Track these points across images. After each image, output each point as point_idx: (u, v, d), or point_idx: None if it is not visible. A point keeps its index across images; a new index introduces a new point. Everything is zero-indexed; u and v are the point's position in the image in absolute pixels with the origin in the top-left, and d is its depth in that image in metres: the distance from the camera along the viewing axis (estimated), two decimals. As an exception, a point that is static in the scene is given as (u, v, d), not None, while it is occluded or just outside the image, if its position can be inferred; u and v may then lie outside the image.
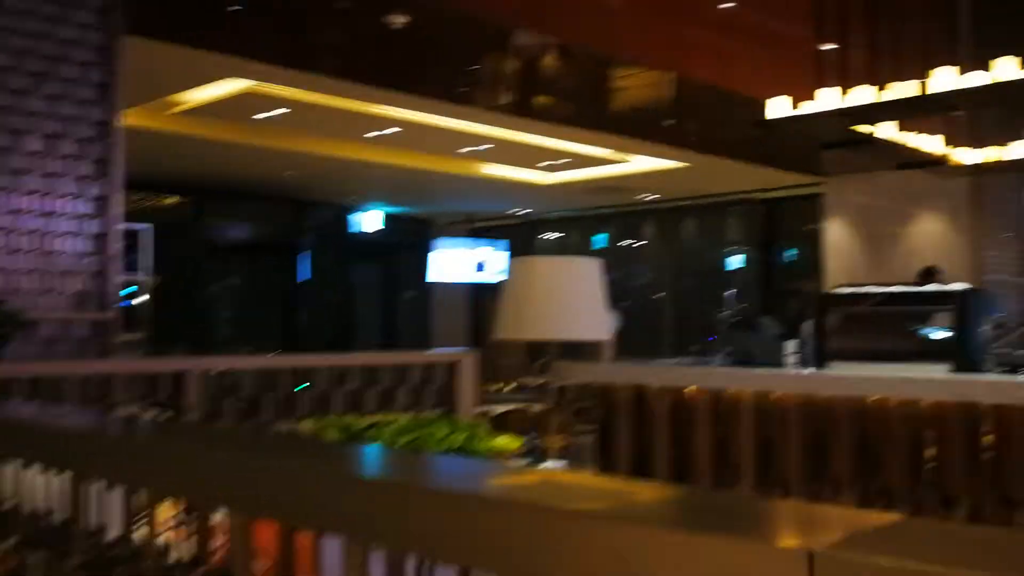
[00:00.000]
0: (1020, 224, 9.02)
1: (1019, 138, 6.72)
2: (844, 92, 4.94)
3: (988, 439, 3.95)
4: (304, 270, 12.69)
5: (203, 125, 8.19)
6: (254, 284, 12.51)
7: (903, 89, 4.68)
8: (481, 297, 13.75)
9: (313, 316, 12.66)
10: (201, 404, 3.95)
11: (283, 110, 7.64)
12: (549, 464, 3.34)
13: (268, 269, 12.68)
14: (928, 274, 6.27)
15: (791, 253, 11.09)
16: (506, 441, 3.18)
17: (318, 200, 12.47)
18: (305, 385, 4.21)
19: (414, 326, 13.77)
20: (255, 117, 7.93)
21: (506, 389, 8.55)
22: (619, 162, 9.74)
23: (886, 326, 4.81)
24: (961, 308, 4.45)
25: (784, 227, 11.06)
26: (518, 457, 3.29)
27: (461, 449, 2.93)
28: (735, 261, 11.53)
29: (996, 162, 6.19)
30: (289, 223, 12.52)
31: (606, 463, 5.23)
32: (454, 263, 13.47)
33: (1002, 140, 6.58)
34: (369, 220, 13.21)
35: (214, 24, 5.53)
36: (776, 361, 4.90)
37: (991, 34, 7.44)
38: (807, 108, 4.92)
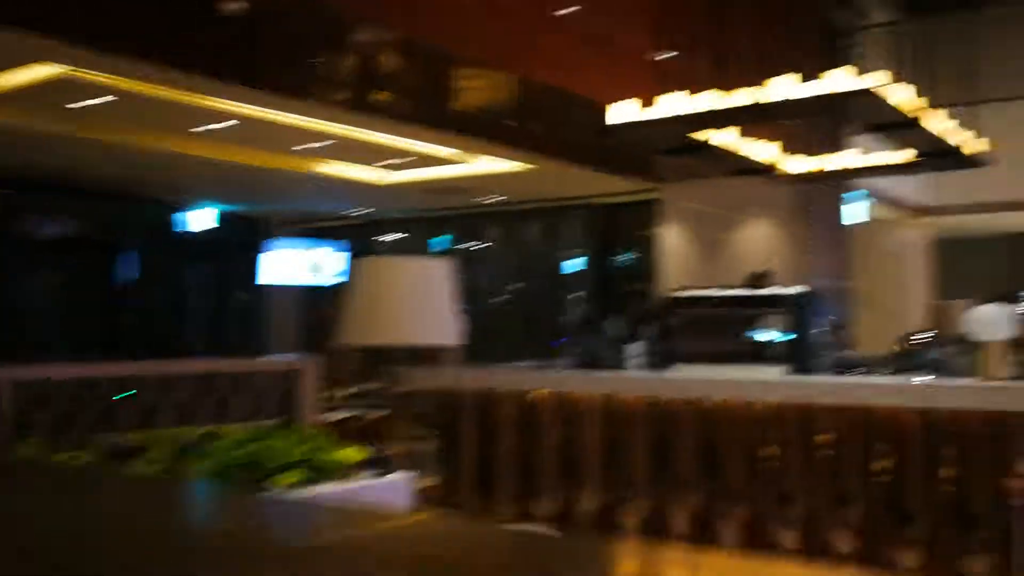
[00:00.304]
0: (839, 231, 9.51)
1: (841, 148, 7.06)
2: (686, 98, 5.01)
3: (823, 438, 4.09)
4: (127, 270, 11.97)
5: (12, 112, 7.55)
6: (71, 285, 11.69)
7: (742, 97, 4.79)
8: (317, 300, 13.38)
9: (137, 320, 11.96)
10: (8, 417, 3.58)
11: (105, 99, 7.13)
12: (396, 476, 3.19)
13: (87, 269, 11.88)
14: (759, 278, 6.47)
15: (629, 257, 11.32)
16: (351, 452, 3.01)
17: (143, 196, 11.79)
18: (130, 393, 3.89)
19: (247, 330, 13.25)
20: (72, 106, 7.37)
21: (343, 395, 8.31)
22: (462, 163, 9.66)
23: (727, 329, 4.91)
24: (798, 311, 4.58)
25: (623, 231, 11.28)
26: (364, 468, 3.13)
27: (304, 462, 2.75)
28: (576, 264, 11.67)
29: (821, 171, 6.46)
30: (111, 220, 11.77)
31: (450, 469, 5.13)
32: (289, 265, 13.03)
33: (827, 150, 6.89)
34: (199, 218, 12.61)
35: (21, 0, 5.07)
36: (621, 364, 4.92)
37: (817, 47, 7.78)
38: (651, 113, 4.97)
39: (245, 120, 7.71)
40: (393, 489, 3.09)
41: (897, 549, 3.82)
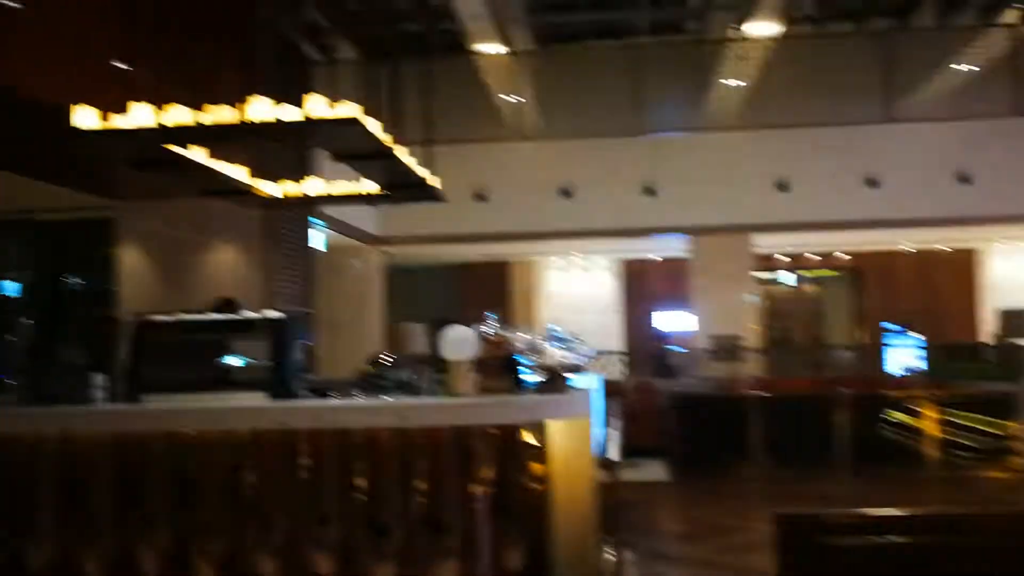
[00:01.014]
0: (305, 257, 9.74)
1: (309, 175, 7.21)
2: (158, 112, 4.73)
3: (304, 462, 4.09)
4: None
5: None
6: None
7: (220, 115, 4.66)
8: None
9: None
10: None
11: None
12: None
13: None
14: (226, 305, 6.35)
15: (81, 280, 10.37)
16: None
17: None
18: None
19: None
20: None
21: None
22: None
23: (200, 356, 4.72)
24: (275, 336, 4.56)
25: (74, 252, 10.28)
26: None
27: None
28: (16, 288, 10.38)
29: (297, 196, 6.53)
30: None
31: None
32: None
33: (295, 176, 6.99)
34: None
35: None
36: (81, 397, 4.47)
37: (288, 75, 7.88)
38: (123, 122, 4.60)
39: None
40: None
41: (374, 564, 3.95)
